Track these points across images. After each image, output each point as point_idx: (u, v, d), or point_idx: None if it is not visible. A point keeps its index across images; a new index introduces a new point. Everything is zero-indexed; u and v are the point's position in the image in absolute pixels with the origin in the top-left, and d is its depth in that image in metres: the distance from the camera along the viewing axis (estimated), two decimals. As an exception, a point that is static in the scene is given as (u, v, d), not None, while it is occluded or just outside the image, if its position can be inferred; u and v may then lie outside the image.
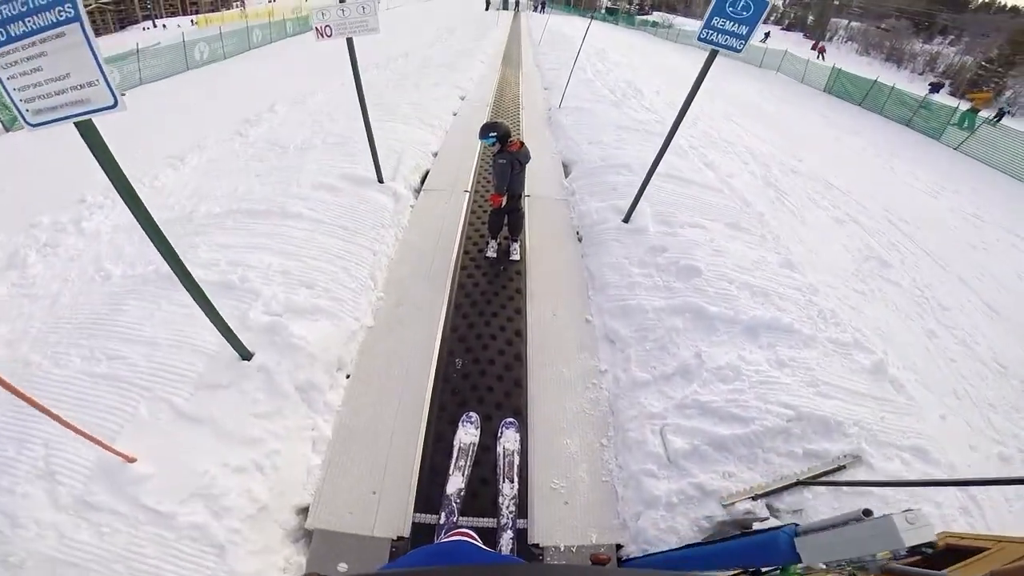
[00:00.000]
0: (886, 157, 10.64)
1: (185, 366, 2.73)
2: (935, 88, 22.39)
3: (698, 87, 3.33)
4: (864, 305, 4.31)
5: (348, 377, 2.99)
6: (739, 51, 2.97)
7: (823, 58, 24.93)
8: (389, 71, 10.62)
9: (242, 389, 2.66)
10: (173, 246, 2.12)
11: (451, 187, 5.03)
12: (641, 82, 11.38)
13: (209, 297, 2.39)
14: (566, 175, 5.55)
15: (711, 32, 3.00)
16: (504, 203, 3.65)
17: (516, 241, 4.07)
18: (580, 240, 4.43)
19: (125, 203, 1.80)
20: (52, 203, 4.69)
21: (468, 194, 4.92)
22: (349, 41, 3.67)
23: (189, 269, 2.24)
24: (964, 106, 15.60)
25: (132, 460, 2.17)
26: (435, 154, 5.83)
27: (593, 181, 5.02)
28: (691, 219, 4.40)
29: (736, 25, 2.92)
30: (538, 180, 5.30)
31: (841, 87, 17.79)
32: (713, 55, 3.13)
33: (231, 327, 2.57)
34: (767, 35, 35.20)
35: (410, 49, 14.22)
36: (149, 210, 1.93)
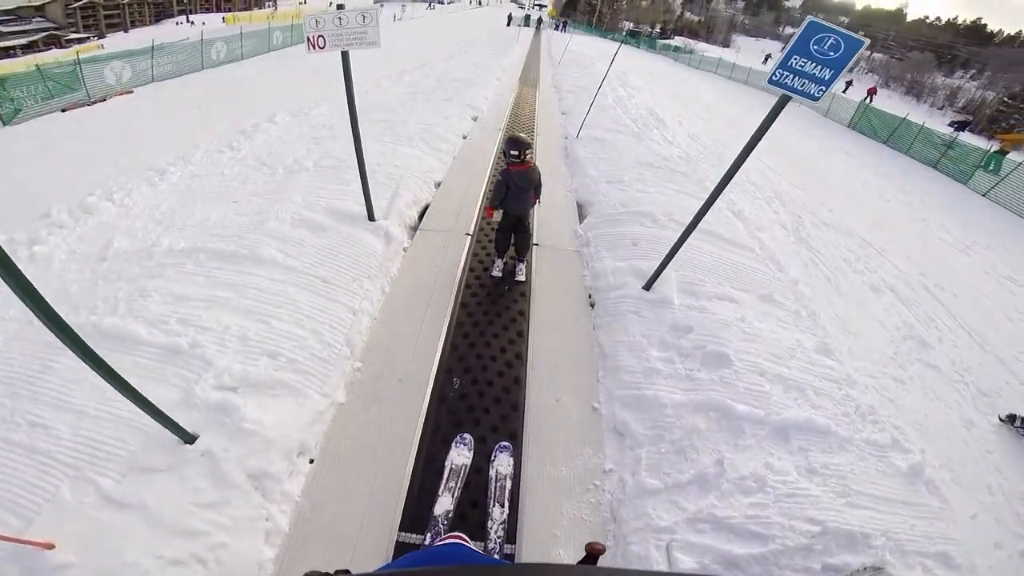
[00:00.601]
0: (917, 206, 10.10)
1: (116, 443, 2.29)
2: (960, 127, 21.81)
3: (759, 139, 2.84)
4: (903, 395, 3.87)
5: (312, 462, 2.51)
6: (816, 99, 2.48)
7: (872, 100, 23.31)
8: (402, 84, 10.25)
9: (182, 475, 2.22)
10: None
11: (452, 228, 4.54)
12: (663, 111, 10.96)
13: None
14: (580, 219, 5.04)
15: (786, 74, 2.49)
16: (497, 217, 3.70)
17: (522, 261, 3.96)
18: (592, 305, 3.87)
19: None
20: (10, 216, 4.27)
21: (470, 238, 4.43)
22: (344, 56, 3.19)
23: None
24: (993, 146, 15.15)
25: (50, 547, 1.86)
26: (438, 184, 5.36)
27: (611, 232, 4.51)
28: (721, 289, 3.88)
29: (819, 68, 2.41)
30: (549, 225, 4.81)
31: (867, 123, 17.28)
32: (784, 101, 2.62)
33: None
34: (849, 84, 31.41)
35: (427, 60, 13.91)
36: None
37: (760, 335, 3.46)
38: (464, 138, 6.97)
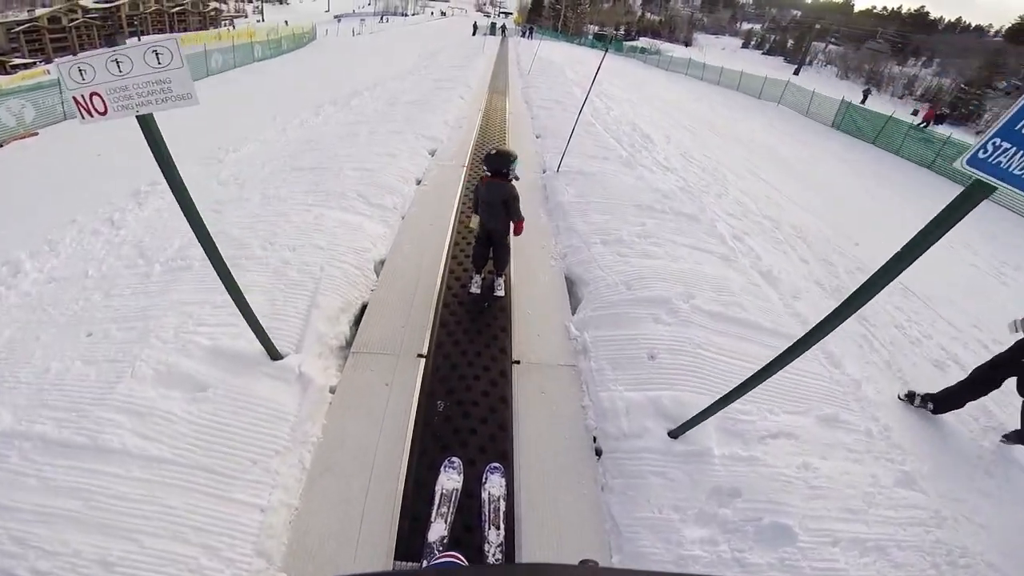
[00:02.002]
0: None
1: None
2: (938, 119, 21.40)
3: (919, 252, 1.61)
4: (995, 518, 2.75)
5: None
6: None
7: (929, 125, 19.62)
8: (349, 110, 8.88)
9: None
10: None
11: (399, 343, 3.21)
12: (646, 123, 9.86)
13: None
14: (573, 307, 3.77)
15: (993, 155, 1.29)
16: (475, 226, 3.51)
17: (501, 276, 3.73)
18: (599, 454, 2.66)
19: None
20: None
21: (424, 361, 3.10)
22: (144, 123, 1.82)
23: None
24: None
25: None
26: (381, 264, 4.02)
27: (617, 336, 3.25)
28: (773, 421, 2.75)
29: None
30: (531, 322, 3.51)
31: (851, 123, 16.57)
32: (978, 196, 1.38)
33: None
34: (867, 94, 28.29)
35: (381, 79, 12.56)
36: None
37: (829, 483, 2.52)
38: (418, 183, 5.64)
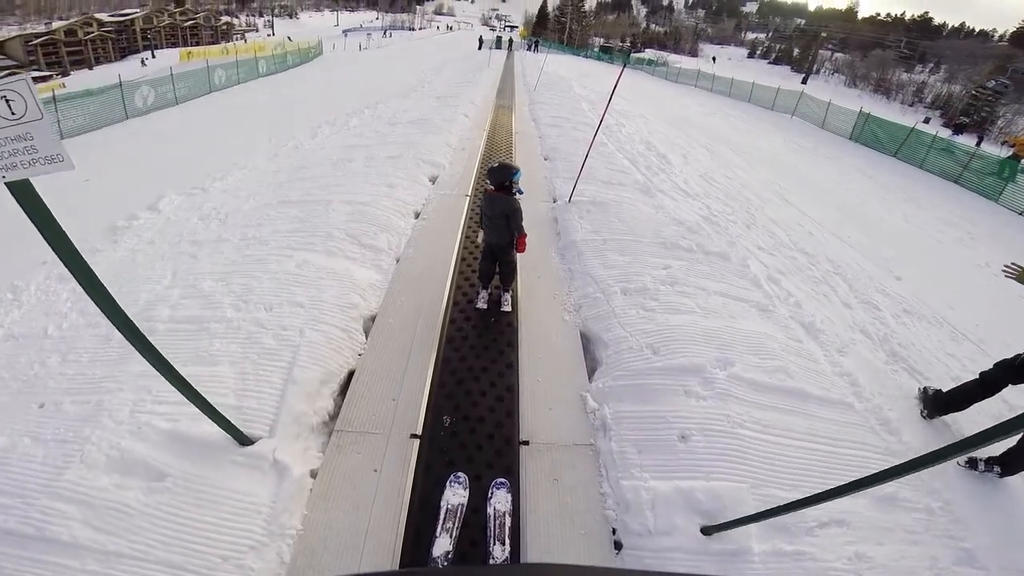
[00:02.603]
0: (967, 241, 8.63)
1: None
2: (958, 129, 20.56)
3: None
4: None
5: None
6: None
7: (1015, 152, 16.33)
8: (347, 131, 8.53)
9: None
10: None
11: (389, 421, 2.74)
12: (660, 142, 9.41)
13: None
14: (588, 369, 3.28)
15: None
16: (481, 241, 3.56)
17: (508, 291, 3.72)
18: (618, 548, 2.24)
19: None
20: None
21: (419, 443, 2.63)
22: (18, 192, 1.32)
23: None
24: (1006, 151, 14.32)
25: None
26: (372, 320, 3.56)
27: (642, 412, 2.75)
28: (825, 509, 2.27)
29: None
30: (539, 392, 3.02)
31: (870, 135, 15.99)
32: None
33: None
34: (927, 121, 24.56)
35: (384, 95, 12.25)
36: None
37: (884, 572, 2.17)
38: (417, 216, 5.20)
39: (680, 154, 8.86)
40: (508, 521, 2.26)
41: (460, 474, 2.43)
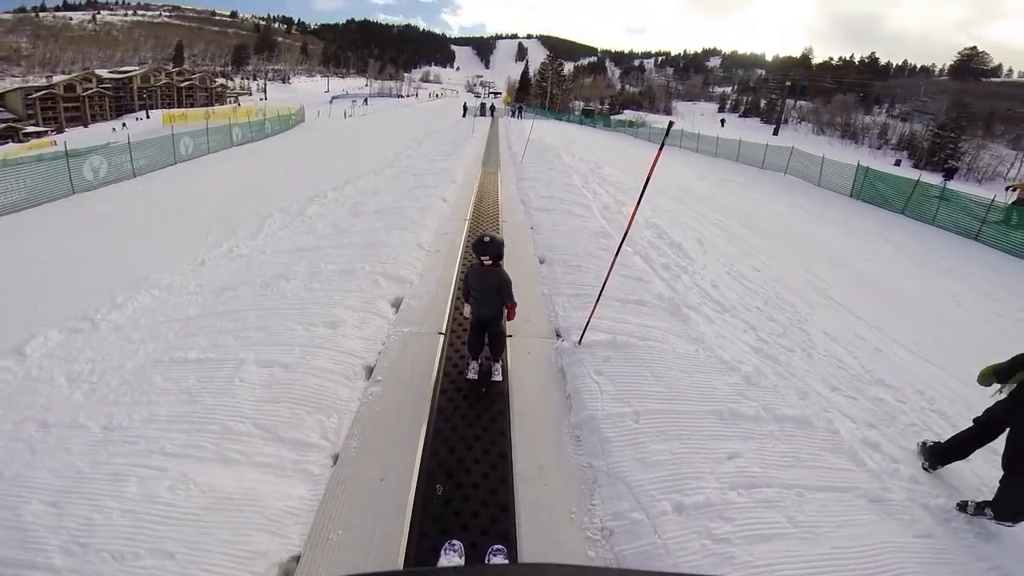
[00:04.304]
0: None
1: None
2: (949, 174, 20.08)
3: None
4: None
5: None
6: None
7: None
8: (298, 224, 7.19)
9: None
10: None
11: None
12: (668, 223, 8.22)
13: None
14: None
15: None
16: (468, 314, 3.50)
17: (497, 362, 3.55)
18: None
19: None
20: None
21: None
22: None
23: None
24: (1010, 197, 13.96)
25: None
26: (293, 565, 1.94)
27: None
28: None
29: None
30: None
31: (872, 190, 15.26)
32: None
33: None
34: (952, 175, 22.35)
35: (356, 173, 11.13)
36: None
37: None
38: (369, 375, 3.67)
39: (695, 239, 7.62)
40: None
41: (455, 541, 2.28)
